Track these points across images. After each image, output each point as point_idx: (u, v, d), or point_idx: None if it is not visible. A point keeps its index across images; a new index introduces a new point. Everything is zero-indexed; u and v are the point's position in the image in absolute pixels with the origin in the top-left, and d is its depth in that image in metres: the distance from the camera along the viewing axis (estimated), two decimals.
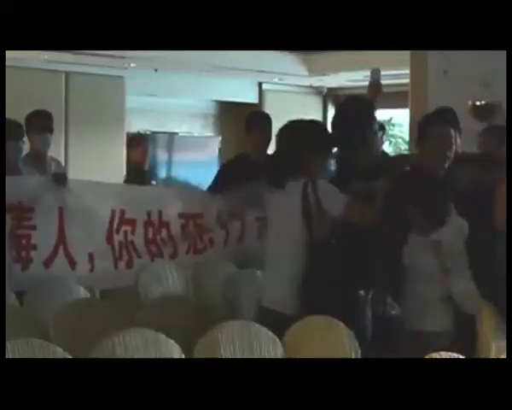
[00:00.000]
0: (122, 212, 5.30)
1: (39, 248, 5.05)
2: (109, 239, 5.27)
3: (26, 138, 5.58)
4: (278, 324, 3.94)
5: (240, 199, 5.26)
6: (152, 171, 8.87)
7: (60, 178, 5.21)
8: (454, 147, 4.56)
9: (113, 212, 5.27)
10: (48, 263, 5.07)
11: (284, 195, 4.31)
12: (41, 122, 5.89)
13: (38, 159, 5.84)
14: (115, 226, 5.27)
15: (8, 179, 4.69)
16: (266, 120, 5.93)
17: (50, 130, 5.96)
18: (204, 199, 5.63)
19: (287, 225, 4.29)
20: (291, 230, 4.27)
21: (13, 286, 4.70)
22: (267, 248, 4.45)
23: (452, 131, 4.59)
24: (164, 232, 5.40)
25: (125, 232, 5.29)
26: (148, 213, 5.37)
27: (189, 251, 5.54)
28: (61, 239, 5.09)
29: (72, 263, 5.13)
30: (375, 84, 5.58)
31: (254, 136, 5.88)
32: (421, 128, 4.67)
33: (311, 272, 4.20)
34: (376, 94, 5.47)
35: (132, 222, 5.32)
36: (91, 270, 5.21)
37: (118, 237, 5.28)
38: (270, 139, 5.82)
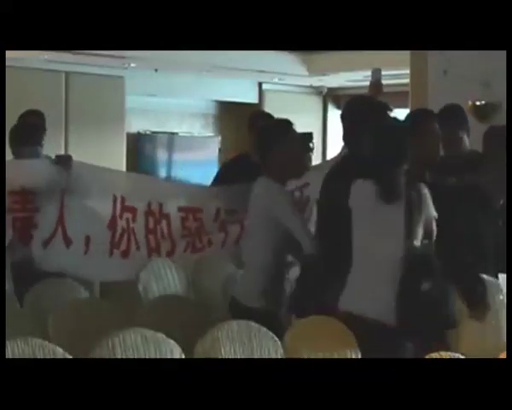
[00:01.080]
0: (123, 198, 5.30)
1: (40, 229, 5.07)
2: (112, 224, 5.26)
3: (44, 143, 5.55)
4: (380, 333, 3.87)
5: (239, 195, 5.27)
6: None
7: (64, 161, 5.21)
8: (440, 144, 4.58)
9: (114, 197, 5.28)
10: (46, 243, 5.09)
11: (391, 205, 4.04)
12: (33, 121, 5.89)
13: None
14: (118, 212, 5.27)
15: (13, 163, 4.71)
16: (269, 120, 5.93)
17: (43, 129, 5.96)
18: (204, 194, 5.64)
19: (384, 233, 4.02)
20: (390, 237, 4.00)
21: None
22: (357, 258, 4.09)
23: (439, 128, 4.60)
24: (164, 223, 5.40)
25: (127, 219, 5.30)
26: (149, 204, 5.38)
27: (187, 249, 5.54)
28: (61, 220, 5.10)
29: (68, 242, 5.13)
30: (375, 83, 5.60)
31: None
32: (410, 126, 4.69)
33: (416, 277, 3.95)
34: (377, 94, 5.48)
35: (133, 210, 5.32)
36: (86, 252, 5.20)
37: (121, 223, 5.28)
38: None
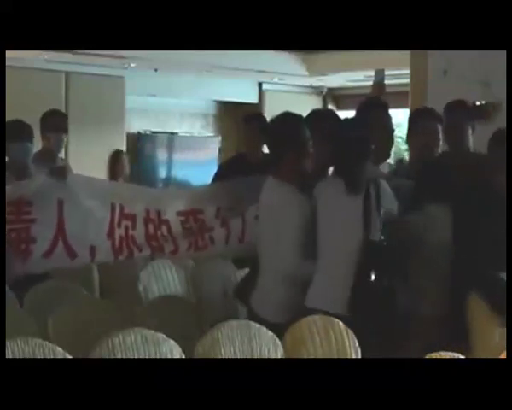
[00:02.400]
0: (121, 207, 5.30)
1: (39, 241, 5.05)
2: (110, 233, 5.26)
3: (34, 139, 5.54)
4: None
5: (237, 193, 5.27)
6: None
7: (59, 172, 5.20)
8: (440, 141, 4.67)
9: (113, 206, 5.28)
10: (47, 254, 5.06)
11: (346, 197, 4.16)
12: (57, 122, 5.93)
13: (49, 157, 5.85)
14: (117, 220, 5.26)
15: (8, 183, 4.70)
16: (264, 121, 5.96)
17: (65, 130, 5.99)
18: (203, 195, 5.63)
19: (345, 226, 4.14)
20: (350, 230, 4.12)
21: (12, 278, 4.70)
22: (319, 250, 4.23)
23: (439, 127, 4.69)
24: (164, 229, 5.40)
25: (126, 227, 5.29)
26: (147, 211, 5.37)
27: (189, 248, 5.54)
28: (61, 232, 5.09)
29: (72, 255, 5.12)
30: (378, 84, 5.64)
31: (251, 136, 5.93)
32: (408, 123, 4.84)
33: (367, 271, 4.08)
34: (380, 94, 5.53)
35: (132, 217, 5.32)
36: (91, 261, 5.21)
37: (119, 232, 5.27)
38: None
